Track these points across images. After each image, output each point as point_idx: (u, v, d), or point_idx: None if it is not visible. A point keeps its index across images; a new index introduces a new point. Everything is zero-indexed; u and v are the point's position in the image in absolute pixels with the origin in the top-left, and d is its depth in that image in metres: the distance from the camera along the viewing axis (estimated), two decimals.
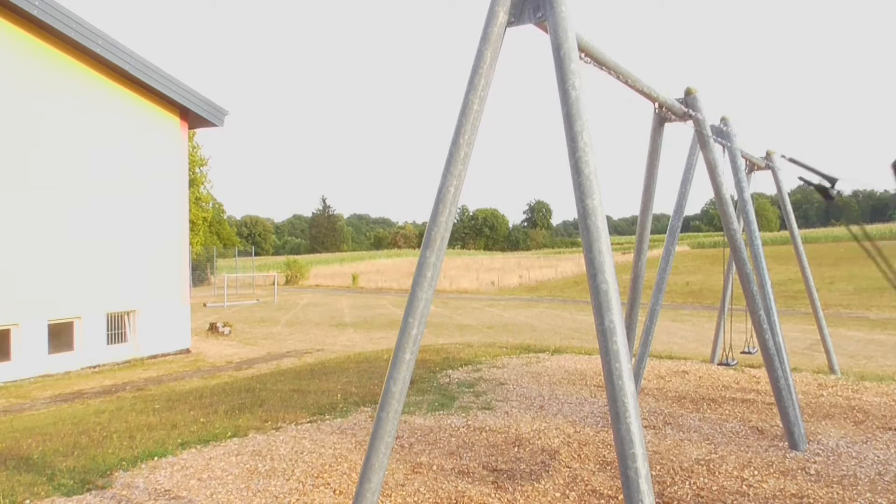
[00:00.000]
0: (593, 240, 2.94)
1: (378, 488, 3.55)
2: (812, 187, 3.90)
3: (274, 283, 38.13)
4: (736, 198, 6.45)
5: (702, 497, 4.56)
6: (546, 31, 3.29)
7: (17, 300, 13.16)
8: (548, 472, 5.09)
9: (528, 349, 11.66)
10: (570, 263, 48.55)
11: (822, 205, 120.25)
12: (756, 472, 5.00)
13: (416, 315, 3.48)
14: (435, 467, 5.23)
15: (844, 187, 3.80)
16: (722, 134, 6.39)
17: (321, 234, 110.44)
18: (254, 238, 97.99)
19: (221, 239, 57.69)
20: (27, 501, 4.65)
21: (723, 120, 6.46)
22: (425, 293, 3.48)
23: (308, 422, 6.75)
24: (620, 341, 2.82)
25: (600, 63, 4.18)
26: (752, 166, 8.74)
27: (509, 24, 3.42)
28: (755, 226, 6.29)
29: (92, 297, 14.58)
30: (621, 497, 4.48)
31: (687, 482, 4.83)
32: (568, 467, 5.20)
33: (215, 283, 43.21)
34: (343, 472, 5.12)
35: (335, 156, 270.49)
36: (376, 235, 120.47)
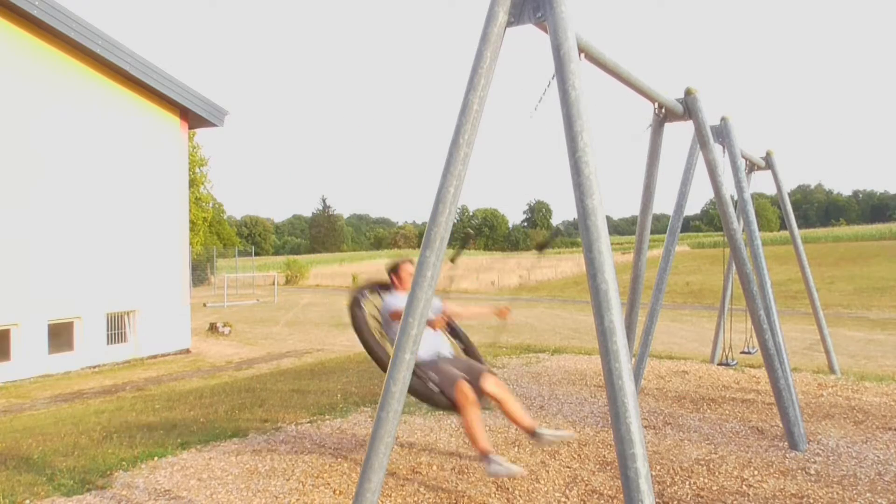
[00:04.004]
0: (593, 240, 2.94)
1: (378, 488, 3.55)
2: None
3: (274, 283, 38.13)
4: (736, 198, 6.45)
5: (702, 497, 4.56)
6: (546, 31, 3.29)
7: (16, 300, 13.16)
8: (548, 472, 5.09)
9: (528, 349, 11.66)
10: (570, 263, 48.53)
11: (822, 205, 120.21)
12: (756, 472, 5.00)
13: (416, 315, 3.48)
14: (435, 467, 5.23)
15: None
16: (722, 134, 6.39)
17: (321, 234, 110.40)
18: (254, 238, 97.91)
19: (221, 239, 57.67)
20: (27, 501, 4.65)
21: (723, 120, 6.46)
22: (425, 293, 3.48)
23: (308, 422, 6.75)
24: (620, 341, 2.82)
25: (600, 63, 4.18)
26: (752, 166, 8.74)
27: (509, 24, 3.42)
28: (755, 226, 6.29)
29: (92, 297, 14.58)
30: (621, 497, 4.47)
31: (687, 482, 4.83)
32: (568, 467, 5.20)
33: (215, 283, 43.19)
34: (343, 472, 5.12)
35: (335, 156, 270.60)
36: (376, 235, 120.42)
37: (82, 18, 13.85)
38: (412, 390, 4.43)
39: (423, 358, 4.69)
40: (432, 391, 4.57)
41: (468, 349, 5.49)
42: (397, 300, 4.87)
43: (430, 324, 4.33)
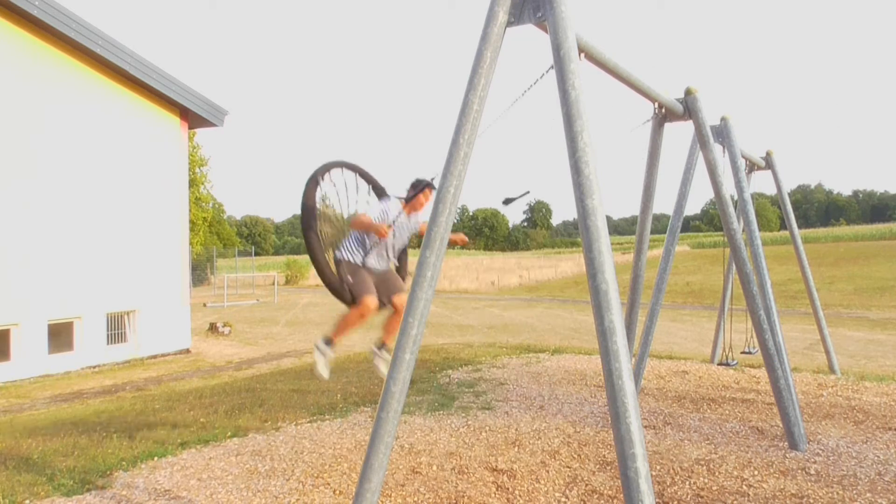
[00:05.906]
0: (593, 240, 2.94)
1: (378, 488, 3.55)
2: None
3: (274, 283, 38.10)
4: (736, 198, 6.45)
5: (702, 497, 4.56)
6: (546, 31, 3.29)
7: (17, 300, 13.16)
8: (548, 472, 5.09)
9: (528, 349, 11.66)
10: (570, 263, 48.48)
11: (822, 205, 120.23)
12: (756, 472, 5.00)
13: (416, 315, 3.48)
14: (435, 467, 5.23)
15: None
16: (722, 134, 6.39)
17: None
18: (254, 238, 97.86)
19: (221, 239, 57.63)
20: (27, 501, 4.65)
21: (723, 120, 6.46)
22: (425, 293, 3.48)
23: (308, 422, 6.75)
24: (620, 341, 2.82)
25: (600, 63, 4.18)
26: (752, 166, 8.74)
27: (509, 24, 3.42)
28: (755, 226, 6.29)
29: (92, 297, 14.57)
30: (621, 497, 4.48)
31: (687, 482, 4.83)
32: (568, 467, 5.20)
33: (215, 283, 43.15)
34: (343, 472, 5.12)
35: (335, 156, 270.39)
36: None
37: (82, 18, 13.83)
38: (327, 281, 4.85)
39: (349, 258, 4.94)
40: (343, 287, 4.86)
41: (400, 269, 5.53)
42: (390, 211, 4.82)
43: (378, 232, 4.60)
